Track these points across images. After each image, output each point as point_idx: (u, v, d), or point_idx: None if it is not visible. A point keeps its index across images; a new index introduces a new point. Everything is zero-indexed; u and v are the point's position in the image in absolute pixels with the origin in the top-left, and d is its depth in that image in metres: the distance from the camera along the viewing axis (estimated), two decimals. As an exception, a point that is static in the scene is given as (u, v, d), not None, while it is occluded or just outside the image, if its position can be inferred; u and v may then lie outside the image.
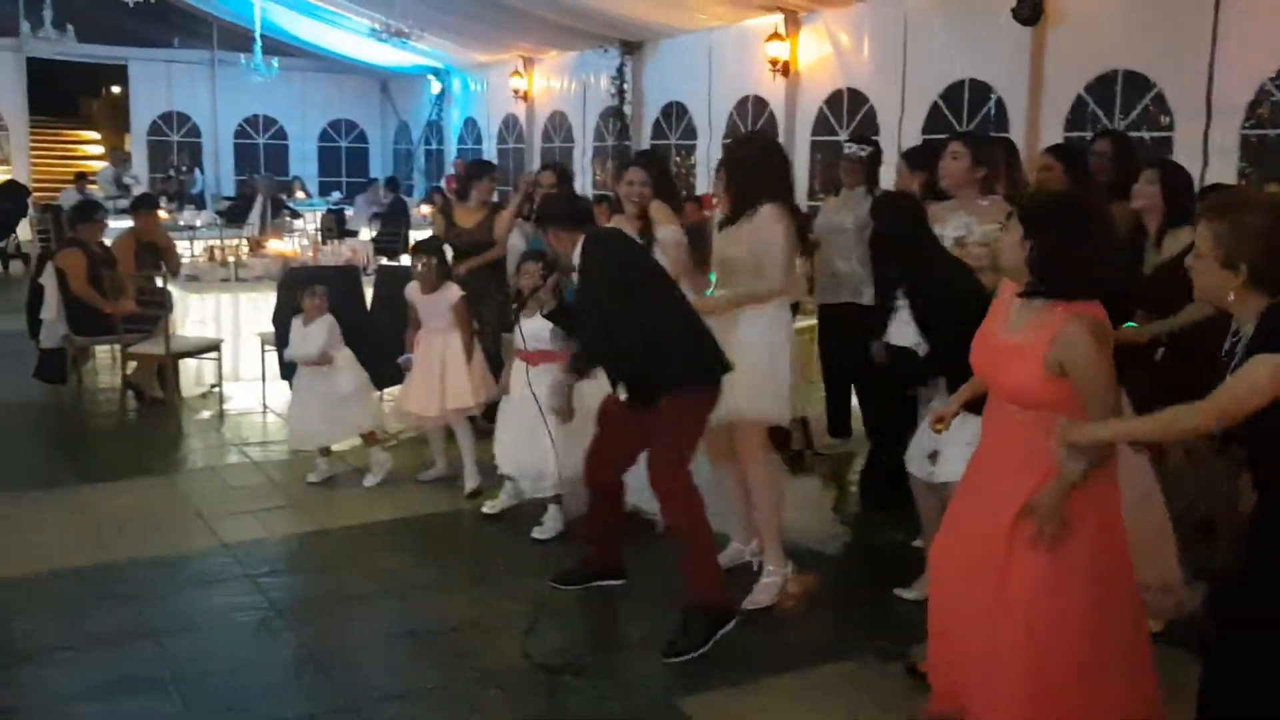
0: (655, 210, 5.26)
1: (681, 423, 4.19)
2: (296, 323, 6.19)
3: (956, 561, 3.28)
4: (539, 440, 5.02)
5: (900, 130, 9.63)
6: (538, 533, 5.34)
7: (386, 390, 7.08)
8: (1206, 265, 2.70)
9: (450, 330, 5.89)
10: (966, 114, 9.33)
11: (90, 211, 8.45)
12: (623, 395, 4.36)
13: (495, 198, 7.38)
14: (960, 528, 3.31)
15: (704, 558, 4.20)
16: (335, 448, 6.33)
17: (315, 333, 6.07)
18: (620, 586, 4.70)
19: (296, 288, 6.41)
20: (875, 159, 6.39)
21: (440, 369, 5.85)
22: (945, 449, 4.09)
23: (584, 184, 14.41)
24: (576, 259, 4.37)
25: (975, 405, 3.46)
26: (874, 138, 7.37)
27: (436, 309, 5.87)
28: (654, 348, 4.15)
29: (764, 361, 4.46)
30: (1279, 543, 2.67)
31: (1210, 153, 7.07)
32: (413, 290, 5.95)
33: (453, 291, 5.89)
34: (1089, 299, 3.00)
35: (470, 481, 5.94)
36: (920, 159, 5.91)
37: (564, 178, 6.83)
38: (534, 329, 5.10)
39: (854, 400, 6.61)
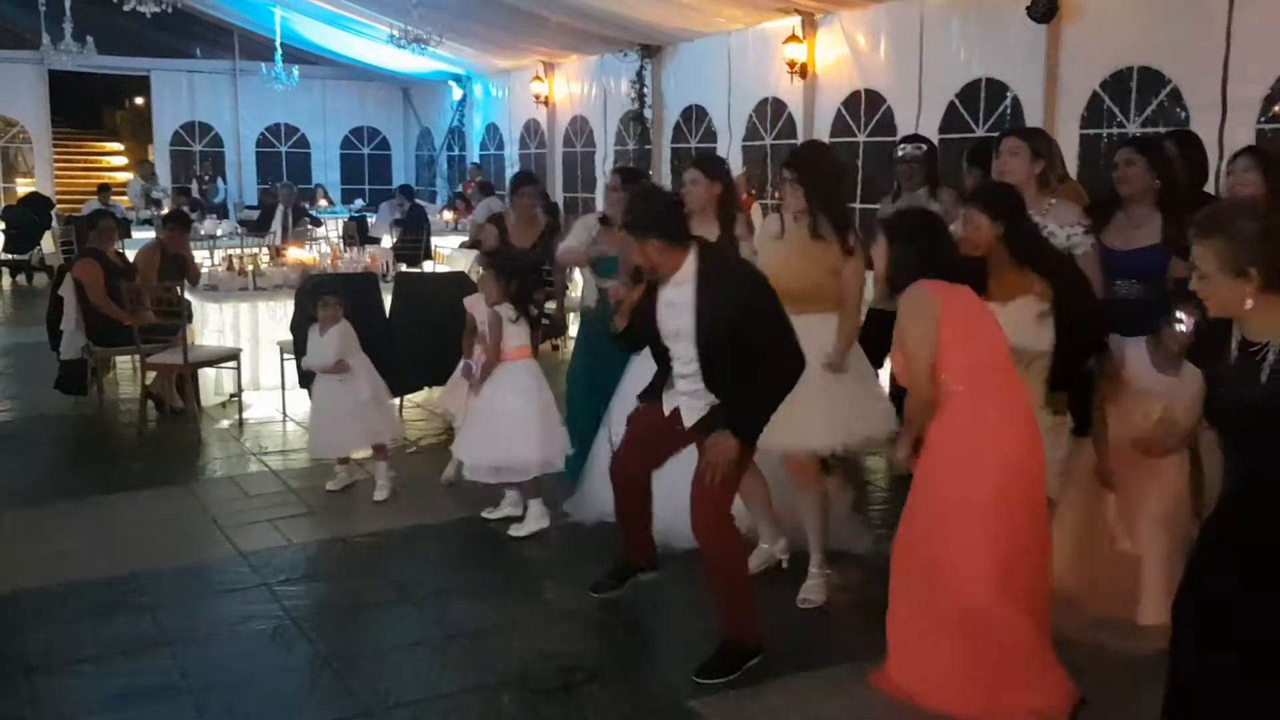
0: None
1: (735, 466, 3.99)
2: (313, 332, 6.21)
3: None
4: (502, 431, 5.27)
5: (917, 130, 9.59)
6: (515, 530, 5.48)
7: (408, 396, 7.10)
8: (1216, 282, 2.67)
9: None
10: (983, 113, 9.30)
11: (96, 220, 8.53)
12: (685, 416, 4.15)
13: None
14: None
15: (739, 595, 4.08)
16: (354, 455, 6.34)
17: (330, 341, 6.10)
18: (648, 581, 4.64)
19: (314, 296, 6.40)
20: (933, 157, 6.28)
21: None
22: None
23: (602, 188, 14.44)
24: (686, 271, 3.98)
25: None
26: (923, 136, 7.21)
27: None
28: (764, 389, 3.93)
29: (822, 393, 4.39)
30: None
31: (1226, 148, 7.00)
32: (474, 301, 5.90)
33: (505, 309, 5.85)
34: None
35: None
36: (977, 156, 5.84)
37: (630, 178, 6.12)
38: (516, 330, 5.43)
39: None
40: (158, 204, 16.67)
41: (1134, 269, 4.70)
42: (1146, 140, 5.42)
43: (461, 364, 5.96)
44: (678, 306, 3.99)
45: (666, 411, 4.22)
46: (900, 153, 6.38)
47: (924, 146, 6.30)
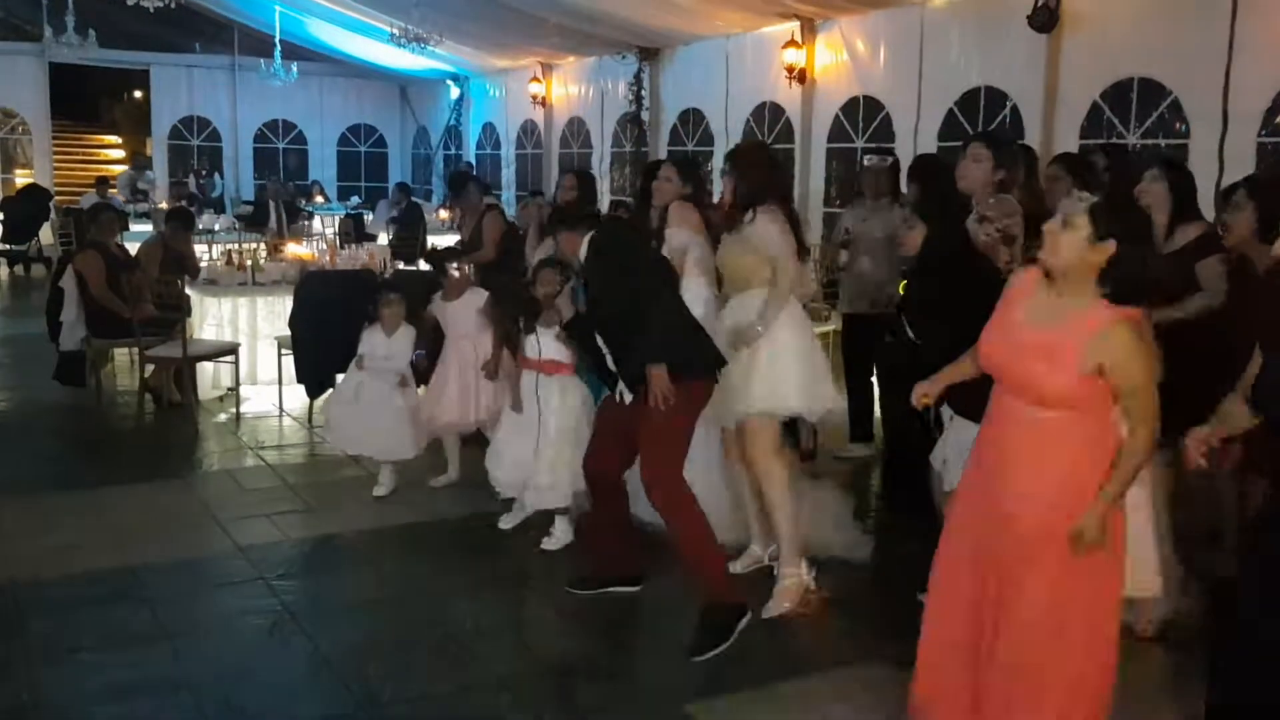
0: (674, 210, 5.16)
1: (673, 420, 4.19)
2: (374, 331, 5.98)
3: (961, 567, 3.26)
4: (543, 451, 5.07)
5: (916, 137, 9.64)
6: (547, 544, 5.29)
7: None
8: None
9: (480, 335, 5.89)
10: (982, 121, 9.33)
11: (98, 212, 8.54)
12: (624, 397, 4.41)
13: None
14: (965, 532, 3.27)
15: (707, 554, 4.23)
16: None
17: (403, 344, 5.95)
18: (635, 592, 4.68)
19: (374, 292, 6.23)
20: (896, 169, 6.49)
21: (475, 376, 5.88)
22: (951, 455, 4.11)
23: (602, 189, 14.45)
24: (582, 253, 4.47)
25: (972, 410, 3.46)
26: (889, 146, 7.45)
27: (463, 315, 5.88)
28: (654, 332, 4.20)
29: (786, 356, 4.51)
30: None
31: (1226, 160, 7.05)
32: (436, 303, 5.92)
33: (478, 295, 5.90)
34: (1138, 304, 2.97)
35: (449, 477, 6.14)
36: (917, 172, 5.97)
37: (585, 182, 6.79)
38: (548, 340, 5.11)
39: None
40: (144, 195, 16.65)
41: None
42: (1072, 157, 5.55)
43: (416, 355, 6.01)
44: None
45: (623, 400, 4.44)
46: (866, 162, 6.63)
47: (889, 159, 6.58)
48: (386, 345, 5.97)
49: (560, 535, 5.30)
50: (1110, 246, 2.91)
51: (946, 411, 4.46)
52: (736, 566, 4.82)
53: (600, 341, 4.47)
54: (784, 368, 4.52)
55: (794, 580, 4.58)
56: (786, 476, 4.66)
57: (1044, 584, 3.03)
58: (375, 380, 5.96)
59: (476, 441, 6.03)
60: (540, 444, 5.09)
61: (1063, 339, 2.97)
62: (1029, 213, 4.48)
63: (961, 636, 3.25)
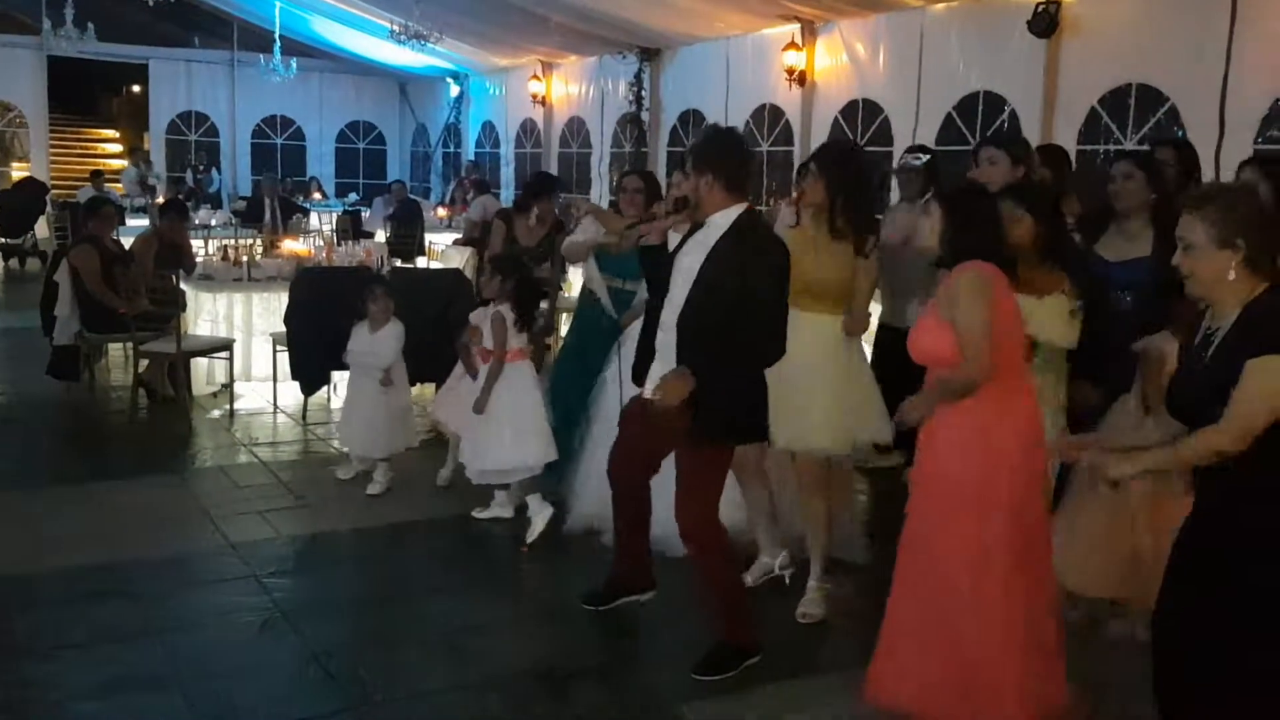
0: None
1: (714, 467, 4.03)
2: (362, 327, 6.06)
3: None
4: (493, 433, 5.31)
5: (914, 141, 9.62)
6: (476, 513, 5.63)
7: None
8: (1202, 253, 2.75)
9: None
10: (981, 125, 9.32)
11: (97, 206, 8.50)
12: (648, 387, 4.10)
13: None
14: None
15: (733, 597, 4.11)
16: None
17: (388, 341, 6.00)
18: (648, 599, 4.59)
19: (361, 288, 6.24)
20: (934, 168, 6.19)
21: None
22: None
23: (601, 190, 14.44)
24: (719, 226, 3.91)
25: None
26: (928, 147, 7.18)
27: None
28: (742, 381, 3.94)
29: (828, 395, 4.41)
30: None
31: (1222, 168, 7.04)
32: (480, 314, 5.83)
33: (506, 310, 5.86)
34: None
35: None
36: (1051, 158, 5.87)
37: (649, 180, 6.13)
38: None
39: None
40: (153, 191, 16.63)
41: (1125, 281, 4.74)
42: (1144, 155, 5.46)
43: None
44: (695, 248, 3.95)
45: (648, 393, 4.09)
46: (900, 161, 6.41)
47: (924, 157, 6.27)
48: (369, 341, 6.02)
49: (538, 520, 5.37)
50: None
51: None
52: (748, 578, 4.74)
53: (670, 327, 3.97)
54: (855, 401, 4.46)
55: (827, 587, 4.65)
56: (826, 511, 4.63)
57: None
58: (358, 376, 6.07)
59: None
60: (493, 426, 5.30)
61: (932, 300, 3.59)
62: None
63: (915, 615, 3.53)
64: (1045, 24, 8.29)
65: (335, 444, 6.88)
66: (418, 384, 7.89)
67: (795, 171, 5.89)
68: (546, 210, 7.02)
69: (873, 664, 3.67)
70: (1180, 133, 7.62)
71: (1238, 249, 2.70)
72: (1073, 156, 8.26)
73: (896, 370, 6.15)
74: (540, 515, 5.37)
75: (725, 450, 4.04)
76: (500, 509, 5.64)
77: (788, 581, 4.79)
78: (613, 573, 4.58)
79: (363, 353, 6.04)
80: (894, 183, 7.22)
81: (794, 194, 4.83)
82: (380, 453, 6.08)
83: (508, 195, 16.45)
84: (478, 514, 5.68)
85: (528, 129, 16.95)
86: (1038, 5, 8.32)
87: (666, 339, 3.98)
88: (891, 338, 5.97)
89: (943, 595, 3.45)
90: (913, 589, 3.56)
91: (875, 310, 5.40)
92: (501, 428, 5.33)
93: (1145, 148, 6.81)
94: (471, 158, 18.34)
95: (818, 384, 4.36)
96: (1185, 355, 2.92)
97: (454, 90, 18.94)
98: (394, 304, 6.09)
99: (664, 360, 3.99)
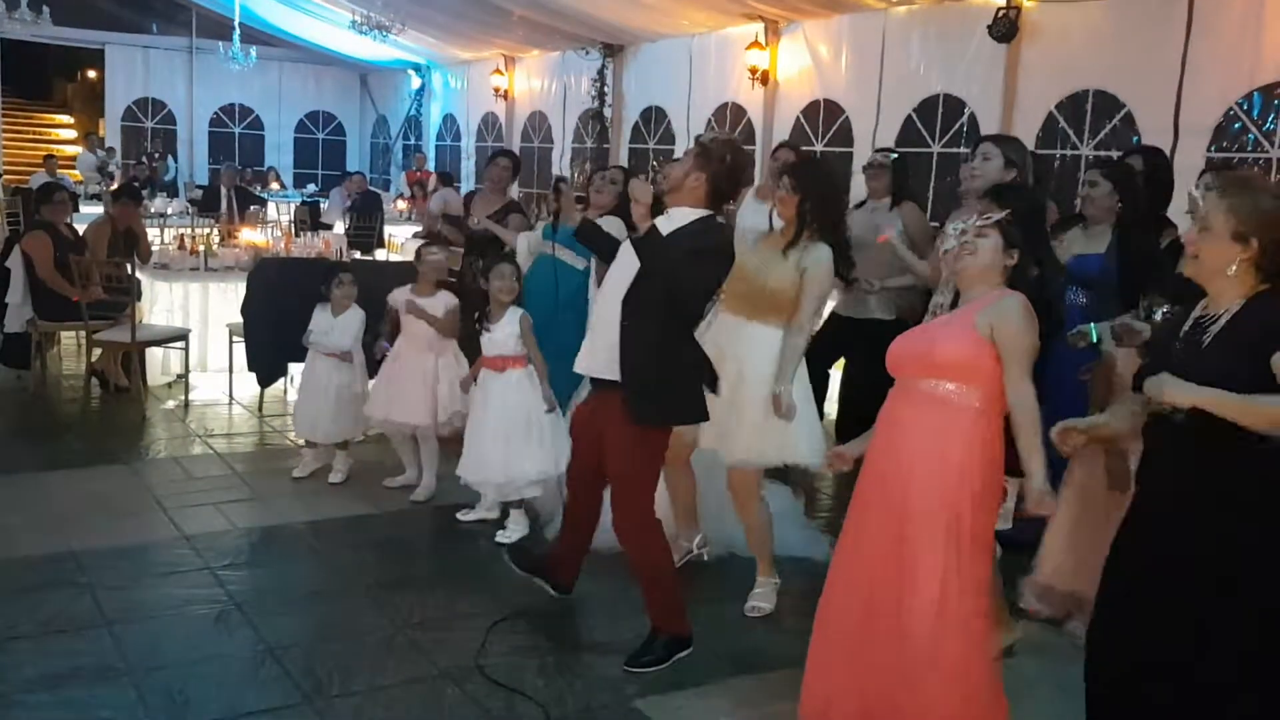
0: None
1: (650, 454, 4.05)
2: (323, 311, 6.08)
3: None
4: (503, 447, 5.11)
5: (874, 143, 9.69)
6: (501, 536, 5.32)
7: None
8: (1215, 239, 2.76)
9: (443, 336, 5.81)
10: (940, 128, 9.42)
11: (51, 192, 8.38)
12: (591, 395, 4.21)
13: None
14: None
15: (666, 587, 4.14)
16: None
17: (349, 325, 6.04)
18: (560, 598, 4.57)
19: (328, 274, 6.23)
20: (901, 168, 6.23)
21: (434, 377, 5.78)
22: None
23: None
24: (684, 214, 3.94)
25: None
26: (896, 149, 7.24)
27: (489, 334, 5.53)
28: (677, 364, 3.99)
29: (764, 408, 4.37)
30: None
31: (1176, 174, 7.15)
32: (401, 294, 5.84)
33: (448, 297, 5.83)
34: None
35: (424, 493, 5.88)
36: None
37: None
38: (499, 337, 5.16)
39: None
40: (111, 177, 16.41)
41: (1079, 275, 4.89)
42: (1115, 165, 5.57)
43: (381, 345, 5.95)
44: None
45: (579, 366, 4.14)
46: (870, 158, 6.45)
47: (893, 155, 6.33)
48: (330, 323, 6.04)
49: (514, 529, 5.35)
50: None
51: None
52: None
53: (614, 303, 3.97)
54: (796, 418, 4.39)
55: (774, 584, 4.68)
56: (768, 518, 4.64)
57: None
58: (314, 360, 6.08)
59: (457, 440, 5.90)
60: (495, 439, 5.12)
61: (958, 314, 3.40)
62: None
63: (852, 630, 3.38)
64: (1005, 29, 8.39)
65: (291, 436, 6.83)
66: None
67: (776, 164, 5.87)
68: (498, 178, 7.13)
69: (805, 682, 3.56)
70: (1136, 139, 7.74)
71: (1249, 246, 2.70)
72: (1030, 160, 8.39)
73: (840, 354, 6.38)
74: (518, 525, 5.37)
75: (661, 434, 4.07)
76: (487, 511, 5.56)
77: (706, 559, 4.93)
78: (547, 550, 4.67)
79: (323, 333, 6.05)
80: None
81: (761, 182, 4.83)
82: (333, 438, 6.09)
83: (468, 189, 16.39)
84: (462, 516, 5.60)
85: (489, 123, 16.89)
86: (998, 10, 8.41)
87: (604, 314, 4.01)
88: (844, 326, 6.24)
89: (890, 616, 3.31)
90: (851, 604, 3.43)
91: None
92: (515, 443, 5.15)
93: (1115, 154, 6.94)
94: (432, 151, 18.25)
95: (758, 395, 4.35)
96: (1162, 340, 2.94)
97: (415, 82, 18.83)
98: (357, 294, 6.11)
99: (599, 334, 4.02)
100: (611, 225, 5.12)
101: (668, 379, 3.96)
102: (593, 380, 4.16)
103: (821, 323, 5.87)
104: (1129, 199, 4.91)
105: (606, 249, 4.23)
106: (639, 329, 3.89)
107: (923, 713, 3.24)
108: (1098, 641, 2.97)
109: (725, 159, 3.99)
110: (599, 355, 4.01)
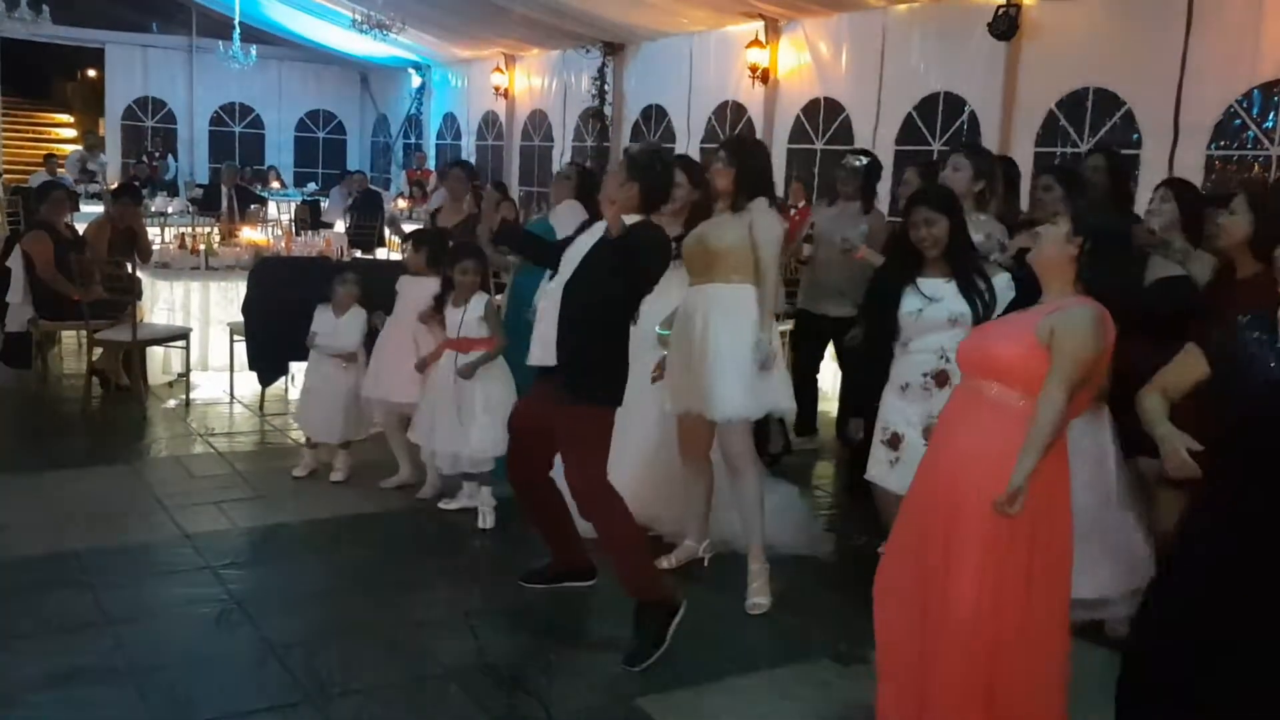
0: (563, 208, 5.44)
1: (596, 430, 4.16)
2: (325, 311, 6.09)
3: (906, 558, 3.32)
4: (454, 417, 5.35)
5: (874, 141, 9.71)
6: (444, 504, 5.66)
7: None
8: (1238, 227, 2.96)
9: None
10: (940, 126, 9.42)
11: (49, 190, 8.38)
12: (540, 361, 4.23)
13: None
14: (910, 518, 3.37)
15: (635, 556, 4.18)
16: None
17: (352, 324, 6.06)
18: (588, 587, 4.65)
19: (332, 273, 6.28)
20: (871, 172, 6.41)
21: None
22: (906, 456, 4.15)
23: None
24: (624, 226, 4.05)
25: None
26: (870, 151, 7.39)
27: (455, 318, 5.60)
28: (611, 350, 4.17)
29: (746, 358, 4.48)
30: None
31: (1175, 172, 7.15)
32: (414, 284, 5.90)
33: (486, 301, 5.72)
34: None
35: (429, 490, 5.89)
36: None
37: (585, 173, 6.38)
38: (466, 319, 5.40)
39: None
40: (91, 176, 16.39)
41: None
42: (1064, 169, 5.62)
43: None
44: (591, 235, 4.20)
45: (533, 360, 4.27)
46: (843, 161, 6.58)
47: (864, 160, 6.44)
48: (333, 324, 6.05)
49: (462, 499, 5.59)
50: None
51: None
52: (670, 560, 4.91)
53: (559, 303, 4.14)
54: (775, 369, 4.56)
55: (766, 571, 4.66)
56: (760, 489, 4.68)
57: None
58: (318, 360, 6.09)
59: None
60: (463, 418, 5.36)
61: (1025, 316, 3.23)
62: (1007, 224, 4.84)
63: (906, 631, 3.27)
64: (1005, 26, 8.40)
65: (293, 435, 6.83)
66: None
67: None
68: (454, 190, 7.24)
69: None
70: (1135, 137, 7.74)
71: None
72: (1031, 159, 8.40)
73: (813, 350, 6.66)
74: (486, 504, 5.49)
75: (604, 411, 4.17)
76: (469, 499, 5.63)
77: (706, 564, 4.95)
78: (551, 559, 4.69)
79: (327, 335, 6.05)
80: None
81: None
82: (338, 438, 6.09)
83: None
84: (445, 505, 5.67)
85: (489, 121, 16.90)
86: (998, 8, 8.42)
87: (550, 305, 4.18)
88: (806, 320, 6.61)
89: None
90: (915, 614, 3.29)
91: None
92: (465, 414, 5.38)
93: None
94: (432, 150, 18.25)
95: (732, 349, 4.49)
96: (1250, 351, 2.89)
97: (416, 81, 18.84)
98: (360, 293, 6.13)
99: (544, 322, 4.19)
100: (573, 211, 5.46)
101: (602, 361, 4.14)
102: (540, 371, 4.26)
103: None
104: (1086, 201, 4.91)
105: (530, 250, 4.68)
106: (579, 317, 4.08)
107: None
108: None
109: (654, 168, 4.25)
110: (549, 348, 4.15)
